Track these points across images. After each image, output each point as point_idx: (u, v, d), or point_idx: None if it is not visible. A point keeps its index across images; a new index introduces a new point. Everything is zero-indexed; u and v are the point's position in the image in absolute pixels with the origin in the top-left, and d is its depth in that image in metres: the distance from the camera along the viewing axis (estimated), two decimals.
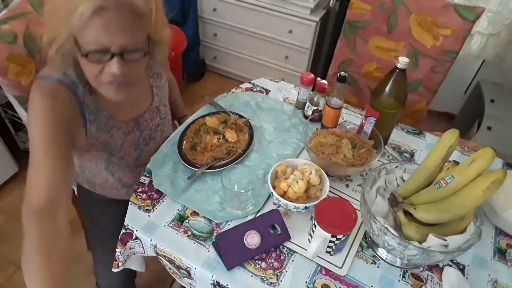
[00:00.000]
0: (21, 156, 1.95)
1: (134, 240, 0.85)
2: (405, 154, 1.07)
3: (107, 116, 0.88)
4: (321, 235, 0.75)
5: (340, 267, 0.79)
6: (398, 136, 1.12)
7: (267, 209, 0.89)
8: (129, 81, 0.78)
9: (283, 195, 0.86)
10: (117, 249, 0.87)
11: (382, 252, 0.83)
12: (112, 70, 0.71)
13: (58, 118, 0.76)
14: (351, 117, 1.12)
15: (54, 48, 0.71)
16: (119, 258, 0.88)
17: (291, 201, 0.84)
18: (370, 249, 0.83)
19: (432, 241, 0.70)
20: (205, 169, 0.94)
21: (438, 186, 0.74)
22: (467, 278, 0.80)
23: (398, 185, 0.85)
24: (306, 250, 0.81)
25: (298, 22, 2.14)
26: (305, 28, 2.15)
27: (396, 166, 0.85)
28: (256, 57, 2.46)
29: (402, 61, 0.88)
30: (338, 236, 0.74)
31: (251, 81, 1.31)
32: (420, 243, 0.73)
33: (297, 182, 0.85)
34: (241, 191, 0.90)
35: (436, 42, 1.28)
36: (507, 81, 2.08)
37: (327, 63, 2.58)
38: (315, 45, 2.23)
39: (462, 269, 0.81)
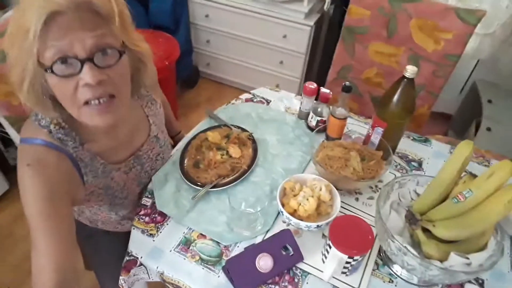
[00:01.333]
0: (11, 173, 1.88)
1: (138, 266, 0.80)
2: (412, 163, 1.05)
3: (104, 163, 0.81)
4: (337, 256, 0.72)
5: None
6: (404, 144, 1.09)
7: (276, 228, 0.85)
8: (114, 94, 0.66)
9: (293, 213, 0.82)
10: (120, 277, 0.82)
11: (397, 269, 0.80)
12: (86, 81, 0.60)
13: (52, 189, 0.68)
14: (355, 126, 1.09)
15: (26, 86, 0.62)
16: (123, 286, 0.84)
17: (301, 220, 0.80)
18: (385, 266, 0.80)
19: (454, 260, 0.67)
20: (210, 188, 0.90)
21: (456, 201, 0.71)
22: None
23: (412, 199, 0.82)
24: (320, 270, 0.78)
25: (292, 26, 2.12)
26: (299, 33, 2.12)
27: (409, 180, 0.82)
28: (250, 63, 2.43)
29: (410, 70, 0.85)
30: (355, 257, 0.71)
31: (251, 91, 1.27)
32: (440, 261, 0.70)
33: (307, 199, 0.81)
34: (249, 210, 0.86)
35: (437, 46, 1.26)
36: (503, 80, 2.08)
37: (321, 67, 2.57)
38: (310, 49, 2.20)
39: (481, 283, 0.78)
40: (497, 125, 1.78)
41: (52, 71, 0.60)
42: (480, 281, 0.79)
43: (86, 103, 0.64)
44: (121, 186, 0.87)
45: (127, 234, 0.84)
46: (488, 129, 1.77)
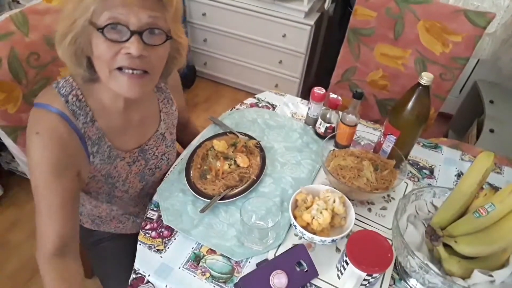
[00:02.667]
0: (5, 177, 1.83)
1: (145, 284, 0.77)
2: (424, 170, 1.02)
3: (110, 146, 0.80)
4: (355, 274, 0.69)
5: None
6: (414, 151, 1.06)
7: (288, 241, 0.82)
8: (147, 70, 0.68)
9: (306, 226, 0.79)
10: None
11: (413, 283, 0.77)
12: (129, 50, 0.63)
13: (58, 160, 0.70)
14: (364, 133, 1.06)
15: (69, 38, 0.65)
16: None
17: (315, 233, 0.77)
18: (402, 280, 0.78)
19: (478, 278, 0.65)
20: (218, 200, 0.86)
21: (478, 215, 0.68)
22: None
23: (429, 211, 0.80)
24: (335, 287, 0.75)
25: (292, 26, 2.08)
26: (299, 32, 2.09)
27: (426, 191, 0.80)
28: (249, 63, 2.39)
29: (426, 78, 0.83)
30: (374, 275, 0.69)
31: (255, 96, 1.23)
32: (463, 278, 0.67)
33: (321, 212, 0.79)
34: (259, 223, 0.83)
35: (445, 49, 1.24)
36: (504, 80, 2.07)
37: (321, 67, 2.54)
38: (309, 49, 2.17)
39: None
40: (500, 126, 1.77)
41: (103, 32, 0.63)
42: None
43: (120, 69, 0.66)
44: (122, 177, 0.86)
45: (134, 239, 0.82)
46: (491, 130, 1.76)
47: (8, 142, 0.94)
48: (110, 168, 0.82)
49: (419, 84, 0.84)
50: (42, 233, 0.73)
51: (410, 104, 0.86)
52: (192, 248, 0.80)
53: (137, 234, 0.84)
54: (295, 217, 0.80)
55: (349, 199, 0.83)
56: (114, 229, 1.01)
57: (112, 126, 0.80)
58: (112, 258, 1.00)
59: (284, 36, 2.14)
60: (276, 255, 0.79)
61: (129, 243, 0.95)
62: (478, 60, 2.22)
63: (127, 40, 0.63)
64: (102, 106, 0.77)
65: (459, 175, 1.02)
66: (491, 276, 0.65)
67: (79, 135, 0.74)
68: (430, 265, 0.65)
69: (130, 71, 0.66)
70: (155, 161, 0.92)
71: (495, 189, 0.74)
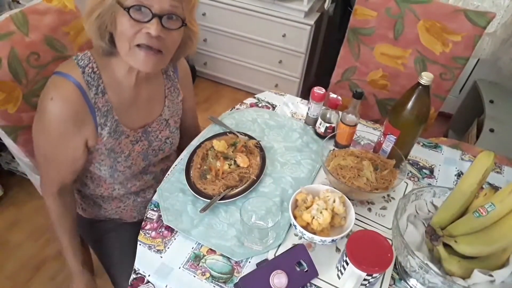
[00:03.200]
0: (5, 177, 1.83)
1: (146, 284, 0.77)
2: (424, 170, 1.02)
3: (117, 121, 0.86)
4: (355, 274, 0.69)
5: None
6: (414, 150, 1.06)
7: (288, 241, 0.82)
8: (162, 50, 0.76)
9: (306, 226, 0.79)
10: None
11: (413, 283, 0.77)
12: (149, 30, 0.72)
13: (66, 126, 0.79)
14: (364, 133, 1.06)
15: (95, 14, 0.73)
16: None
17: (315, 233, 0.77)
18: (402, 280, 0.78)
19: (478, 277, 0.65)
20: (218, 200, 0.86)
21: (478, 215, 0.68)
22: None
23: (429, 211, 0.80)
24: (335, 286, 0.75)
25: (292, 25, 2.08)
26: (299, 32, 2.09)
27: (425, 191, 0.80)
28: (249, 62, 2.39)
29: (426, 77, 0.83)
30: (374, 275, 0.69)
31: (255, 95, 1.23)
32: (463, 278, 0.67)
33: (321, 212, 0.78)
34: (259, 223, 0.83)
35: (445, 49, 1.24)
36: (504, 80, 2.07)
37: (320, 67, 2.54)
38: (309, 49, 2.17)
39: None
40: (500, 126, 1.77)
41: (128, 12, 0.71)
42: None
43: (138, 46, 0.74)
44: (125, 154, 0.91)
45: (135, 228, 0.87)
46: (491, 130, 1.76)
47: (8, 142, 0.94)
48: (114, 143, 0.87)
49: (419, 83, 0.84)
50: (47, 178, 0.88)
51: (410, 104, 0.86)
52: (192, 248, 0.80)
53: (137, 223, 0.89)
54: (295, 217, 0.80)
55: (349, 199, 0.83)
56: (116, 210, 1.03)
57: (121, 101, 0.86)
58: (116, 248, 1.03)
59: (284, 36, 2.14)
60: (276, 255, 0.79)
61: (131, 232, 1.00)
62: (478, 60, 2.22)
63: (149, 21, 0.72)
64: (114, 80, 0.84)
65: (459, 174, 1.02)
66: (491, 276, 0.65)
67: (89, 106, 0.80)
68: (430, 265, 0.65)
69: (147, 48, 0.74)
70: (158, 144, 0.97)
71: (495, 188, 0.74)
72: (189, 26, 0.82)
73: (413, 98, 0.86)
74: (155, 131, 0.95)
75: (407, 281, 0.77)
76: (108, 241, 1.05)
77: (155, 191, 0.92)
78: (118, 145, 0.88)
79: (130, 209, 1.05)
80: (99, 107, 0.82)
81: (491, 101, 1.93)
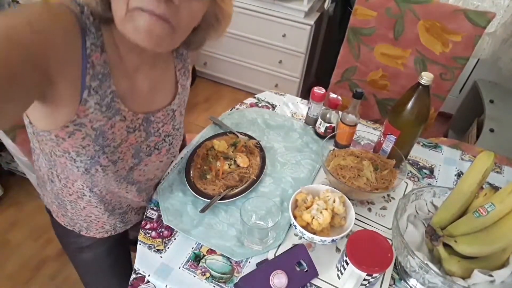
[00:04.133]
0: (5, 177, 1.83)
1: (146, 283, 0.77)
2: (424, 170, 1.02)
3: (114, 92, 0.64)
4: (355, 274, 0.69)
5: None
6: (414, 150, 1.07)
7: (288, 241, 0.82)
8: (171, 22, 0.54)
9: (306, 226, 0.79)
10: None
11: (413, 283, 0.77)
12: None
13: (53, 26, 0.52)
14: (364, 133, 1.06)
15: None
16: None
17: (315, 233, 0.77)
18: (402, 280, 0.78)
19: (478, 277, 0.65)
20: (218, 200, 0.86)
21: (478, 215, 0.68)
22: None
23: (429, 211, 0.80)
24: (335, 286, 0.75)
25: (292, 26, 2.08)
26: (299, 32, 2.09)
27: (425, 191, 0.80)
28: (249, 62, 2.39)
29: (426, 77, 0.83)
30: (374, 275, 0.69)
31: (255, 95, 1.23)
32: (463, 278, 0.67)
33: (321, 212, 0.78)
34: (260, 223, 0.83)
35: (445, 49, 1.24)
36: (504, 80, 2.07)
37: (320, 67, 2.54)
38: (309, 49, 2.17)
39: None
40: (500, 126, 1.77)
41: None
42: None
43: (140, 9, 0.52)
44: (116, 143, 0.70)
45: (116, 244, 0.84)
46: (491, 130, 1.76)
47: (6, 141, 0.94)
48: (106, 124, 0.65)
49: (419, 83, 0.84)
50: None
51: (410, 104, 0.86)
52: (192, 248, 0.80)
53: (118, 241, 0.83)
54: (295, 217, 0.80)
55: (349, 199, 0.83)
56: (84, 218, 0.84)
57: (122, 68, 0.65)
58: (95, 271, 0.96)
59: (284, 36, 2.14)
60: (276, 255, 0.79)
61: (112, 250, 0.93)
62: (478, 60, 2.22)
63: None
64: (114, 40, 0.63)
65: (459, 174, 1.02)
66: (491, 276, 0.65)
67: (83, 49, 0.57)
68: (430, 265, 0.65)
69: (154, 12, 0.52)
70: (156, 140, 0.79)
71: (495, 188, 0.74)
72: (218, 2, 0.62)
73: (413, 98, 0.86)
74: (157, 123, 0.77)
75: (407, 281, 0.77)
76: (86, 262, 0.94)
77: (138, 213, 0.85)
78: (110, 128, 0.67)
79: (103, 221, 0.87)
80: (93, 62, 0.59)
81: (491, 101, 1.93)
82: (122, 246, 0.98)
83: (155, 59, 0.72)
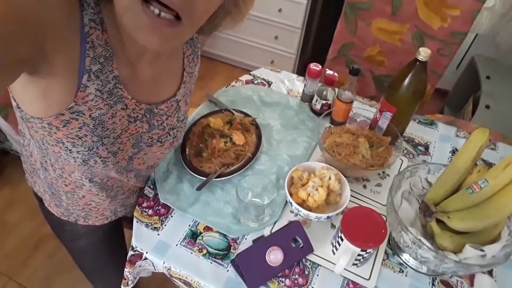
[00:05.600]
0: (0, 157, 1.82)
1: (144, 260, 0.78)
2: (419, 147, 1.03)
3: (117, 78, 0.58)
4: (350, 250, 0.70)
5: (368, 279, 0.75)
6: (410, 127, 1.06)
7: (284, 218, 0.83)
8: (183, 16, 0.47)
9: (302, 203, 0.80)
10: (125, 269, 0.80)
11: (406, 257, 0.79)
12: None
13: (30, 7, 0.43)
14: (360, 110, 1.06)
15: None
16: (128, 277, 0.81)
17: (311, 210, 0.78)
18: (395, 255, 0.79)
19: (469, 252, 0.66)
20: (214, 178, 0.86)
21: (471, 191, 0.69)
22: (495, 280, 0.77)
23: (424, 187, 0.81)
24: (330, 262, 0.77)
25: (288, 0, 2.03)
26: (295, 6, 2.04)
27: (420, 168, 0.80)
28: (244, 38, 2.34)
29: (424, 53, 0.82)
30: (368, 250, 0.70)
31: (251, 72, 1.22)
32: (455, 253, 0.69)
33: (316, 189, 0.79)
34: (256, 200, 0.84)
35: (443, 24, 1.22)
36: (502, 56, 2.05)
37: (317, 43, 2.50)
38: (306, 24, 2.13)
39: (490, 271, 0.78)
40: (496, 102, 1.77)
41: None
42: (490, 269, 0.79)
43: (146, 1, 0.45)
44: (116, 133, 0.64)
45: (112, 230, 0.82)
46: (487, 106, 1.76)
47: None
48: (106, 113, 0.59)
49: (416, 60, 0.83)
50: None
51: (406, 81, 0.86)
52: (189, 226, 0.81)
53: (114, 224, 0.81)
54: (290, 194, 0.80)
55: (345, 176, 0.84)
56: (83, 207, 0.78)
57: (123, 53, 0.58)
58: (92, 257, 0.95)
59: (280, 10, 2.09)
60: (272, 232, 0.80)
61: (108, 235, 0.92)
62: (475, 36, 2.20)
63: None
64: (117, 34, 0.55)
65: (454, 151, 1.03)
66: (482, 250, 0.66)
67: (81, 27, 0.50)
68: (423, 240, 0.66)
69: (158, 10, 0.45)
70: (159, 133, 0.73)
71: (489, 165, 0.75)
72: None
73: (410, 75, 0.85)
74: (161, 115, 0.71)
75: (400, 256, 0.79)
76: (82, 250, 0.93)
77: (138, 196, 0.84)
78: (110, 118, 0.60)
79: (103, 208, 0.81)
80: (93, 42, 0.52)
81: (488, 77, 1.92)
82: (117, 229, 0.98)
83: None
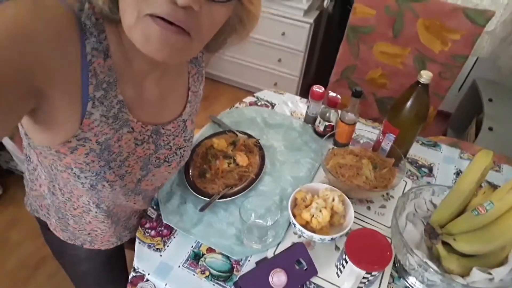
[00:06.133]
0: (4, 176, 1.83)
1: (145, 282, 0.77)
2: (423, 169, 1.02)
3: (122, 102, 0.58)
4: (354, 272, 0.69)
5: None
6: (413, 149, 1.07)
7: (287, 239, 0.83)
8: (190, 32, 0.47)
9: (306, 225, 0.79)
10: None
11: (413, 281, 0.77)
12: None
13: (40, 34, 0.44)
14: (363, 131, 1.06)
15: None
16: None
17: (314, 232, 0.77)
18: (401, 278, 0.78)
19: (477, 275, 0.65)
20: (217, 198, 0.86)
21: (476, 213, 0.68)
22: None
23: (428, 209, 0.80)
24: (334, 285, 0.75)
25: (291, 24, 2.08)
26: (298, 30, 2.09)
27: (424, 190, 0.80)
28: (248, 61, 2.39)
29: (426, 76, 0.83)
30: (373, 273, 0.69)
31: (255, 94, 1.23)
32: (462, 276, 0.67)
33: (320, 211, 0.79)
34: (259, 221, 0.83)
35: (444, 47, 1.24)
36: (503, 79, 2.07)
37: (319, 66, 2.54)
38: (309, 47, 2.17)
39: None
40: (499, 124, 1.78)
41: None
42: None
43: (152, 16, 0.45)
44: (122, 157, 0.64)
45: (114, 254, 0.82)
46: (490, 128, 1.76)
47: (5, 140, 0.95)
48: (112, 137, 0.59)
49: (418, 82, 0.84)
50: None
51: (409, 103, 0.86)
52: (192, 247, 0.80)
53: (116, 248, 0.81)
54: (294, 216, 0.80)
55: (348, 198, 0.83)
56: (89, 232, 0.79)
57: (129, 74, 0.58)
58: (93, 281, 0.94)
59: (283, 34, 2.14)
60: (276, 253, 0.79)
61: (110, 259, 0.91)
62: (477, 59, 2.23)
63: None
64: (122, 55, 0.56)
65: (458, 173, 1.02)
66: (490, 274, 0.65)
67: (82, 56, 0.50)
68: (429, 263, 0.66)
69: (166, 22, 0.45)
70: (166, 153, 0.73)
71: (494, 187, 0.74)
72: (245, 3, 0.54)
73: (412, 97, 0.86)
74: (167, 136, 0.71)
75: (406, 279, 0.78)
76: (81, 274, 0.92)
77: (141, 217, 0.84)
78: (116, 141, 0.60)
79: (109, 235, 0.81)
80: (95, 70, 0.52)
81: (490, 100, 1.93)
82: (118, 253, 0.96)
83: (167, 65, 0.65)
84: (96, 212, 0.72)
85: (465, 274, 0.68)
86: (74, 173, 0.60)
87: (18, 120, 0.47)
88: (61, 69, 0.48)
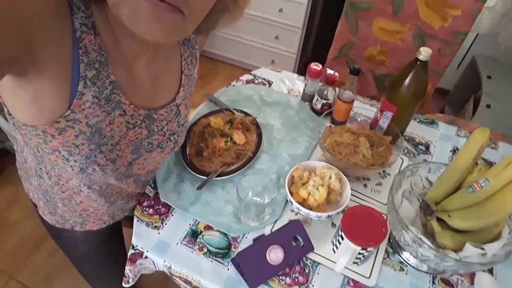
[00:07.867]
0: (1, 156, 1.82)
1: (144, 258, 0.78)
2: (420, 146, 1.03)
3: (114, 83, 0.55)
4: (350, 248, 0.70)
5: (368, 277, 0.75)
6: (411, 127, 1.07)
7: (284, 217, 0.83)
8: (182, 10, 0.44)
9: (303, 202, 0.80)
10: (126, 267, 0.80)
11: (407, 256, 0.79)
12: None
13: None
14: (361, 109, 1.06)
15: None
16: (128, 275, 0.82)
17: (311, 209, 0.78)
18: (396, 254, 0.80)
19: (470, 250, 0.66)
20: (215, 177, 0.86)
21: (472, 190, 0.69)
22: (496, 278, 0.77)
23: (424, 186, 0.81)
24: (331, 260, 0.77)
25: (289, 0, 2.03)
26: (296, 7, 2.05)
27: (421, 167, 0.80)
28: (245, 38, 2.35)
29: (425, 53, 0.82)
30: (369, 249, 0.70)
31: (251, 72, 1.22)
32: (455, 251, 0.69)
33: (317, 188, 0.79)
34: (256, 199, 0.84)
35: (444, 23, 1.22)
36: (503, 55, 2.05)
37: (317, 43, 2.50)
38: (306, 24, 2.13)
39: (490, 269, 0.78)
40: (497, 102, 1.77)
41: None
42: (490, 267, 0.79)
43: None
44: (114, 141, 0.62)
45: (111, 233, 0.81)
46: (488, 106, 1.76)
47: None
48: (103, 120, 0.57)
49: (417, 59, 0.83)
50: None
51: (407, 80, 0.86)
52: (190, 225, 0.81)
53: (113, 228, 0.81)
54: (291, 193, 0.80)
55: (345, 175, 0.84)
56: (80, 213, 0.76)
57: (119, 55, 0.55)
58: (92, 262, 0.95)
59: (280, 10, 2.10)
60: (273, 230, 0.80)
61: (107, 240, 0.91)
62: (476, 35, 2.20)
63: None
64: (111, 34, 0.53)
65: (455, 150, 1.03)
66: (482, 249, 0.66)
67: (73, 33, 0.47)
68: (424, 238, 0.66)
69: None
70: (159, 138, 0.71)
71: (490, 164, 0.75)
72: None
73: (410, 74, 0.85)
74: (161, 121, 0.69)
75: (401, 255, 0.79)
76: (80, 255, 0.93)
77: (137, 200, 0.84)
78: (108, 125, 0.58)
79: (101, 213, 0.80)
80: (86, 47, 0.49)
81: (489, 77, 1.92)
82: (115, 233, 0.97)
83: (158, 46, 0.62)
84: (88, 193, 0.70)
85: (458, 249, 0.69)
86: (63, 155, 0.57)
87: (1, 75, 0.43)
88: (57, 35, 0.45)
